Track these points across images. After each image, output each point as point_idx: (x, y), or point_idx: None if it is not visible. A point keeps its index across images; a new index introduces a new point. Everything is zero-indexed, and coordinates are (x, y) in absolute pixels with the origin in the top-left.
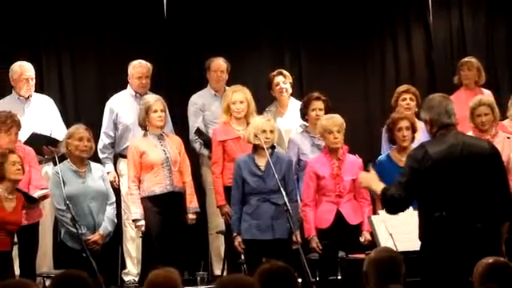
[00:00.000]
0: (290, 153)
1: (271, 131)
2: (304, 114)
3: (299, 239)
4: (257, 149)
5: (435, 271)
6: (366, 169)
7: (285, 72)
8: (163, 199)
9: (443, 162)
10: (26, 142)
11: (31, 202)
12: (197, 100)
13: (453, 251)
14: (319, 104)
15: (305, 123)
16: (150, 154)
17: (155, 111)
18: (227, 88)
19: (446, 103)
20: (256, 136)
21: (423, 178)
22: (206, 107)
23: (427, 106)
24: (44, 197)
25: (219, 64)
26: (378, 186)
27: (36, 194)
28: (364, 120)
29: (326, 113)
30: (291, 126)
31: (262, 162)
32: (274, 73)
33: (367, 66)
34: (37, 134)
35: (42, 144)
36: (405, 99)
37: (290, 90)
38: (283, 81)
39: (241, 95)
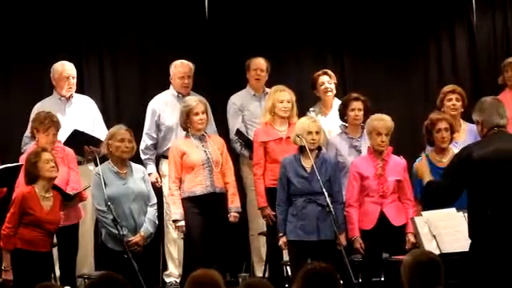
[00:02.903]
0: (329, 154)
1: (317, 132)
2: (343, 114)
3: (344, 241)
4: (303, 150)
5: (481, 269)
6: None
7: (330, 72)
8: (204, 200)
9: (486, 163)
10: (67, 141)
11: (67, 200)
12: (236, 100)
13: (495, 251)
14: (358, 104)
15: (344, 124)
16: (191, 155)
17: (196, 114)
18: (269, 89)
19: (498, 105)
20: (299, 137)
21: (467, 177)
22: (244, 107)
23: (479, 108)
24: (81, 198)
25: (259, 63)
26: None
27: (72, 192)
28: (407, 120)
29: (364, 113)
30: (335, 126)
31: (307, 163)
32: (319, 72)
33: (410, 67)
34: (79, 132)
35: (83, 142)
36: (450, 99)
37: (335, 91)
38: (328, 80)
39: (287, 94)
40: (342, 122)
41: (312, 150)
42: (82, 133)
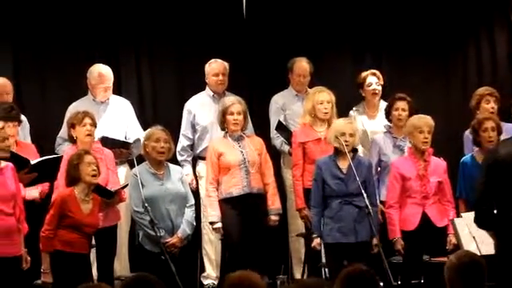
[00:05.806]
0: (372, 153)
1: (351, 134)
2: (388, 113)
3: (377, 242)
4: (338, 151)
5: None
6: None
7: (378, 73)
8: (241, 201)
9: (508, 161)
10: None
11: (108, 198)
12: (278, 99)
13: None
14: (403, 104)
15: (389, 124)
16: (227, 155)
17: (231, 113)
18: (310, 90)
19: None
20: (337, 138)
21: (494, 177)
22: (286, 106)
23: None
24: (120, 199)
25: (303, 68)
26: None
27: (113, 188)
28: (445, 122)
29: (409, 114)
30: (382, 128)
31: (343, 164)
32: (368, 72)
33: (449, 68)
34: (106, 138)
35: (113, 146)
36: (489, 102)
37: (381, 93)
38: (376, 82)
39: (326, 95)
40: (387, 123)
41: (348, 152)
42: (110, 138)
